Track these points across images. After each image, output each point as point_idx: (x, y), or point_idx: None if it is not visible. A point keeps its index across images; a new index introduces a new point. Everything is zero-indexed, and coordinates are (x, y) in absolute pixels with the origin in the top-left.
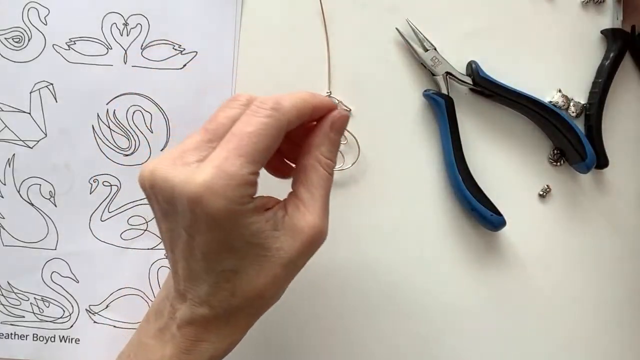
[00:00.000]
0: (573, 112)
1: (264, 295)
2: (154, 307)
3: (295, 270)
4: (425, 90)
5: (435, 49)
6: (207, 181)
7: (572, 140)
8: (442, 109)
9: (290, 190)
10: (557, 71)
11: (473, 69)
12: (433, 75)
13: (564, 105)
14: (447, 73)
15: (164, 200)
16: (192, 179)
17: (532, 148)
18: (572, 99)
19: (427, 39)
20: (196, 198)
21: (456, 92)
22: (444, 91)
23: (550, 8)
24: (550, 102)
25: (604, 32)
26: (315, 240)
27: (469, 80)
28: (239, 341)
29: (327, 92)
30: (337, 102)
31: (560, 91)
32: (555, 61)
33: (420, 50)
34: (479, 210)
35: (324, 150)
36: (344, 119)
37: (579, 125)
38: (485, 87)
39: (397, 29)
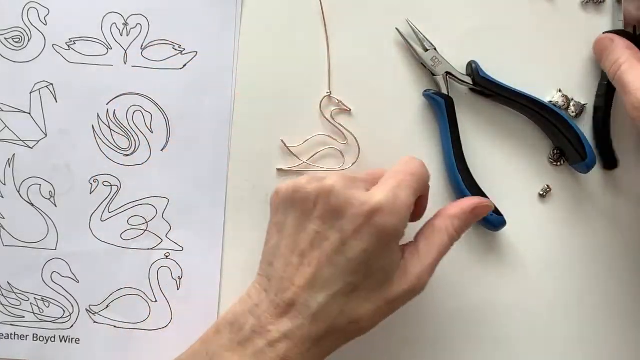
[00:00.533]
0: (573, 112)
1: (361, 323)
2: (228, 319)
3: (390, 310)
4: (425, 90)
5: (435, 49)
6: (388, 197)
7: (572, 140)
8: (442, 108)
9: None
10: (557, 71)
11: (473, 69)
12: (433, 75)
13: (564, 105)
14: (447, 73)
15: (331, 207)
16: (372, 195)
17: (532, 148)
18: (572, 99)
19: (427, 39)
20: (377, 208)
21: (456, 92)
22: (444, 91)
23: (550, 8)
24: (550, 102)
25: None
26: (416, 290)
27: (468, 80)
28: None
29: (327, 92)
30: (337, 102)
31: (560, 91)
32: (555, 61)
33: (420, 50)
34: None
35: (456, 223)
36: (486, 210)
37: (580, 126)
38: (485, 87)
39: (397, 29)
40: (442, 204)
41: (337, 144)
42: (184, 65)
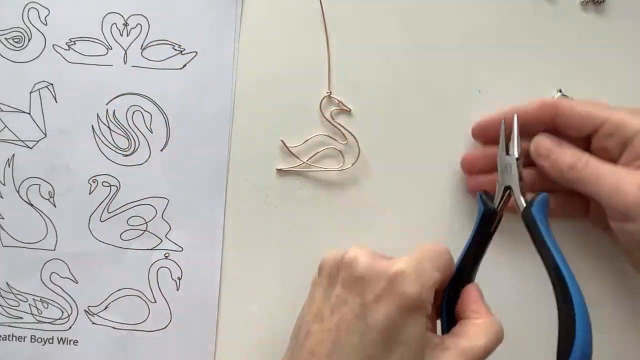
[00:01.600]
0: None
1: None
2: None
3: None
4: (480, 192)
5: (517, 159)
6: (411, 265)
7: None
8: (484, 219)
9: None
10: (557, 71)
11: (529, 202)
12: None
13: None
14: (509, 187)
15: (354, 273)
16: (396, 261)
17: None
18: (572, 99)
19: (517, 144)
20: (399, 273)
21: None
22: (497, 201)
23: (550, 8)
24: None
25: None
26: None
27: (522, 203)
28: None
29: (327, 92)
30: (337, 102)
31: (560, 91)
32: (555, 61)
33: (502, 153)
34: None
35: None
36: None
37: None
38: (528, 225)
39: (503, 120)
40: (443, 204)
41: (337, 144)
42: (184, 65)
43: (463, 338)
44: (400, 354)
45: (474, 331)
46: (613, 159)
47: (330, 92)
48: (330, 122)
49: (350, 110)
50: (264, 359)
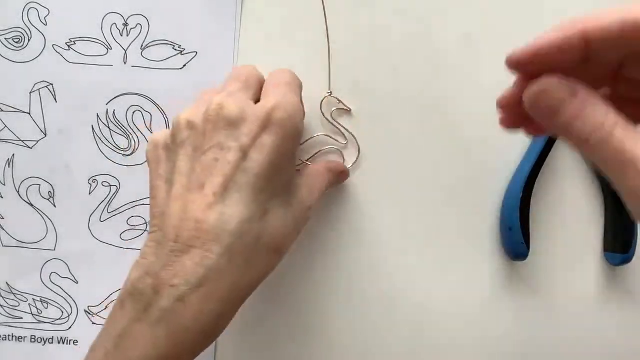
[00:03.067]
0: None
1: (281, 249)
2: (128, 290)
3: (297, 232)
4: None
5: None
6: (284, 96)
7: (625, 228)
8: (541, 142)
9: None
10: None
11: None
12: None
13: None
14: None
15: (228, 121)
16: (265, 101)
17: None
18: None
19: None
20: (277, 105)
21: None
22: None
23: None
24: None
25: None
26: (306, 217)
27: None
28: (230, 318)
29: (328, 92)
30: (337, 102)
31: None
32: None
33: None
34: (513, 234)
35: (331, 176)
36: (345, 178)
37: None
38: None
39: None
40: (443, 206)
41: (337, 144)
42: (184, 65)
43: (313, 187)
44: (280, 192)
45: None
46: None
47: (331, 92)
48: (331, 122)
49: (351, 110)
50: (263, 359)
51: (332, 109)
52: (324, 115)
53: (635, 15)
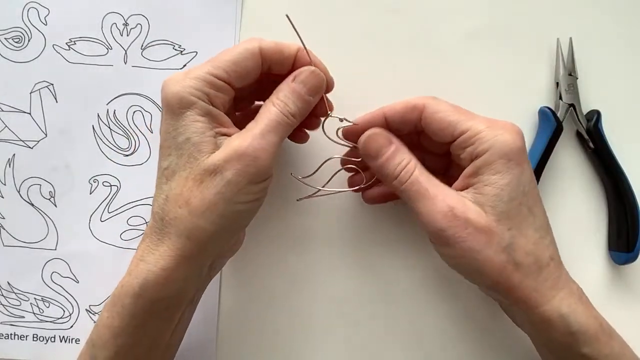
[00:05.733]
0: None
1: (191, 206)
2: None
3: (217, 185)
4: (543, 106)
5: (577, 79)
6: (174, 74)
7: (629, 227)
8: (547, 131)
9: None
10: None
11: (593, 118)
12: (559, 98)
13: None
14: (572, 105)
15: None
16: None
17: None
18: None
19: (576, 67)
20: (162, 84)
21: (566, 124)
22: (560, 117)
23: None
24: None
25: None
26: (238, 158)
27: (584, 124)
28: (171, 277)
29: (328, 114)
30: (339, 120)
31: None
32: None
33: (563, 72)
34: None
35: (280, 95)
36: (309, 74)
37: None
38: (593, 139)
39: (558, 39)
40: None
41: (352, 163)
42: (184, 66)
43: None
44: (184, 151)
45: None
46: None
47: (330, 113)
48: (337, 143)
49: (358, 124)
50: (263, 359)
51: (338, 128)
52: (327, 136)
53: (413, 102)
